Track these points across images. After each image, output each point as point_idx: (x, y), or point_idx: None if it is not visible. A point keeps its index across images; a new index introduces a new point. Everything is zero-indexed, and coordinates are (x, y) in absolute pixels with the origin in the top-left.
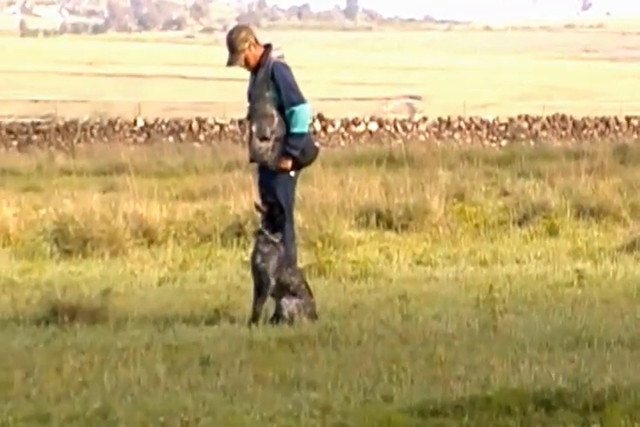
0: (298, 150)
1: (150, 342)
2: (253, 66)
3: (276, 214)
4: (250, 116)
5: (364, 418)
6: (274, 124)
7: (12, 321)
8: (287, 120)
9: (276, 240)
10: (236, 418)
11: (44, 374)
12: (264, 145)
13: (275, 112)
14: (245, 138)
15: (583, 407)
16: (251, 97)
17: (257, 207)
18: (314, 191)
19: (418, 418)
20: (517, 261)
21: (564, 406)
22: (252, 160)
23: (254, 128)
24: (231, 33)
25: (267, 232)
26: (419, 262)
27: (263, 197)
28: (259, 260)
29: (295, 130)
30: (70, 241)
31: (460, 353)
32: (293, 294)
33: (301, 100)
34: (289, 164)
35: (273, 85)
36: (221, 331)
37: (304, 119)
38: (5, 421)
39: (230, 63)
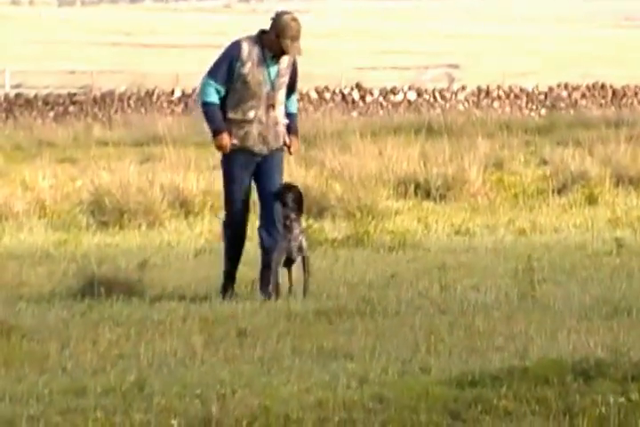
0: None
1: (187, 314)
2: None
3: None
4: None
5: (401, 389)
6: (284, 110)
7: (48, 293)
8: (290, 104)
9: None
10: (273, 390)
11: (79, 347)
12: (284, 131)
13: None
14: (259, 124)
15: (622, 377)
16: (249, 84)
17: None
18: (352, 161)
19: (456, 389)
20: (556, 231)
21: (603, 375)
22: (273, 145)
23: (278, 114)
24: (296, 20)
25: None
26: (457, 232)
27: (271, 182)
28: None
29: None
30: (107, 213)
31: (499, 323)
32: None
33: None
34: None
35: (291, 73)
36: (258, 303)
37: None
38: (41, 393)
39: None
